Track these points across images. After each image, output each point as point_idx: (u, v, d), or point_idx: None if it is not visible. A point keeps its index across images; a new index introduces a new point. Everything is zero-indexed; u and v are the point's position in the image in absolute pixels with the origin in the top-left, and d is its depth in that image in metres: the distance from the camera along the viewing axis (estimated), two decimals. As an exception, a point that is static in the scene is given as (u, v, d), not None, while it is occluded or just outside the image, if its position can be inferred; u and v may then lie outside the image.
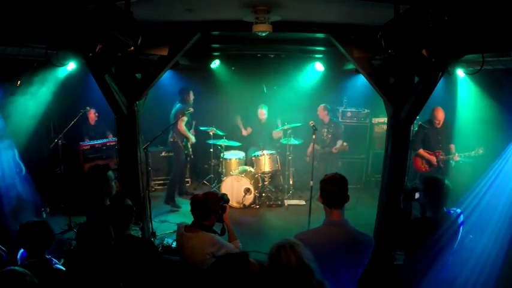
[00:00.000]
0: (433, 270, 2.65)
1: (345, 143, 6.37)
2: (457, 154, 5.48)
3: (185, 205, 5.89)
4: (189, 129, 6.34)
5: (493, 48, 2.93)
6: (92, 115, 6.51)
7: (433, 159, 5.50)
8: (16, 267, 1.84)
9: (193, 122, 6.78)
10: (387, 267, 3.87)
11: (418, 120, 5.33)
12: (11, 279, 1.77)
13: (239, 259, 1.91)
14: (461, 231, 2.75)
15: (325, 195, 2.30)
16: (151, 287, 2.70)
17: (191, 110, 5.99)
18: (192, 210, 2.81)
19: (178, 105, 6.09)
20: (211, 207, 2.79)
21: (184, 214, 5.75)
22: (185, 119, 6.05)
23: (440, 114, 5.46)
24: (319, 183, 2.35)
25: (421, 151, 5.53)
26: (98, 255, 2.22)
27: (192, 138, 6.32)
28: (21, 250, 2.63)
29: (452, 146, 5.51)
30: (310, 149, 5.84)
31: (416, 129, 5.46)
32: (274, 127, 6.91)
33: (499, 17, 2.58)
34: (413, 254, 2.75)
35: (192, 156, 6.52)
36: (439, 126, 5.49)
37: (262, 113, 6.93)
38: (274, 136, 6.91)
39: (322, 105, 6.62)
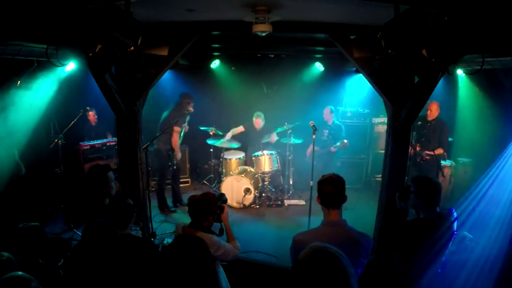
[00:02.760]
0: (431, 271, 2.65)
1: (345, 140, 6.37)
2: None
3: (180, 214, 5.85)
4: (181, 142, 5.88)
5: (494, 49, 2.93)
6: (92, 117, 6.51)
7: (410, 150, 5.54)
8: (20, 273, 1.78)
9: (187, 118, 6.16)
10: (387, 267, 3.87)
11: (418, 120, 5.33)
12: (16, 284, 1.71)
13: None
14: (455, 230, 2.74)
15: (322, 196, 2.31)
16: (151, 287, 2.70)
17: (191, 110, 5.88)
18: (190, 211, 2.80)
19: (170, 112, 5.69)
20: (208, 207, 2.79)
21: (184, 214, 5.76)
22: (179, 130, 5.61)
23: (433, 107, 5.53)
24: (317, 184, 2.36)
25: None
26: (102, 257, 2.22)
27: (179, 155, 5.91)
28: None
29: (440, 150, 5.49)
30: (309, 149, 5.83)
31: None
32: (270, 132, 6.74)
33: (499, 18, 2.58)
34: (410, 256, 2.75)
35: (175, 167, 6.01)
36: (429, 118, 5.55)
37: (258, 122, 6.67)
38: (271, 139, 6.75)
39: (328, 107, 6.62)
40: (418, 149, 5.53)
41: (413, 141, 5.61)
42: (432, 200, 2.68)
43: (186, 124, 6.05)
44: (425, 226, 2.66)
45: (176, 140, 5.68)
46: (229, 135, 6.73)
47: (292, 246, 2.29)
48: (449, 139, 6.03)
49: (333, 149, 6.45)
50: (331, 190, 2.28)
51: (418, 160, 5.51)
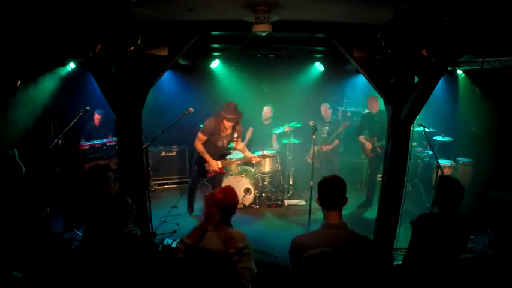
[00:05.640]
0: (437, 271, 2.65)
1: (336, 141, 6.42)
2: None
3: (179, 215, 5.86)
4: (217, 155, 5.41)
5: (494, 49, 2.93)
6: (97, 120, 6.52)
7: (369, 145, 5.98)
8: (14, 272, 1.79)
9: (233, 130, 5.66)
10: (387, 267, 3.87)
11: (418, 120, 5.33)
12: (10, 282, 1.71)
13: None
14: (469, 233, 2.77)
15: (322, 197, 2.27)
16: (151, 286, 2.70)
17: (191, 110, 5.74)
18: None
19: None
20: (234, 201, 2.70)
21: (184, 215, 5.76)
22: (203, 137, 5.22)
23: (372, 104, 5.95)
24: (317, 185, 2.33)
25: (361, 137, 6.11)
26: (102, 255, 2.23)
27: (209, 164, 5.35)
28: None
29: None
30: (311, 151, 5.82)
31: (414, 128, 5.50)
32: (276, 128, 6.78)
33: (499, 18, 2.58)
34: (418, 251, 2.74)
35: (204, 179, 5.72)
36: (374, 111, 5.96)
37: (268, 110, 6.71)
38: (272, 141, 6.81)
39: (326, 104, 6.59)
40: (375, 142, 5.90)
41: (368, 136, 6.07)
42: (449, 199, 2.71)
43: (234, 135, 5.59)
44: (438, 221, 2.68)
45: (197, 143, 5.37)
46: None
47: (291, 249, 2.26)
48: (445, 138, 6.08)
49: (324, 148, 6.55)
50: (330, 191, 2.24)
51: (379, 151, 5.80)
